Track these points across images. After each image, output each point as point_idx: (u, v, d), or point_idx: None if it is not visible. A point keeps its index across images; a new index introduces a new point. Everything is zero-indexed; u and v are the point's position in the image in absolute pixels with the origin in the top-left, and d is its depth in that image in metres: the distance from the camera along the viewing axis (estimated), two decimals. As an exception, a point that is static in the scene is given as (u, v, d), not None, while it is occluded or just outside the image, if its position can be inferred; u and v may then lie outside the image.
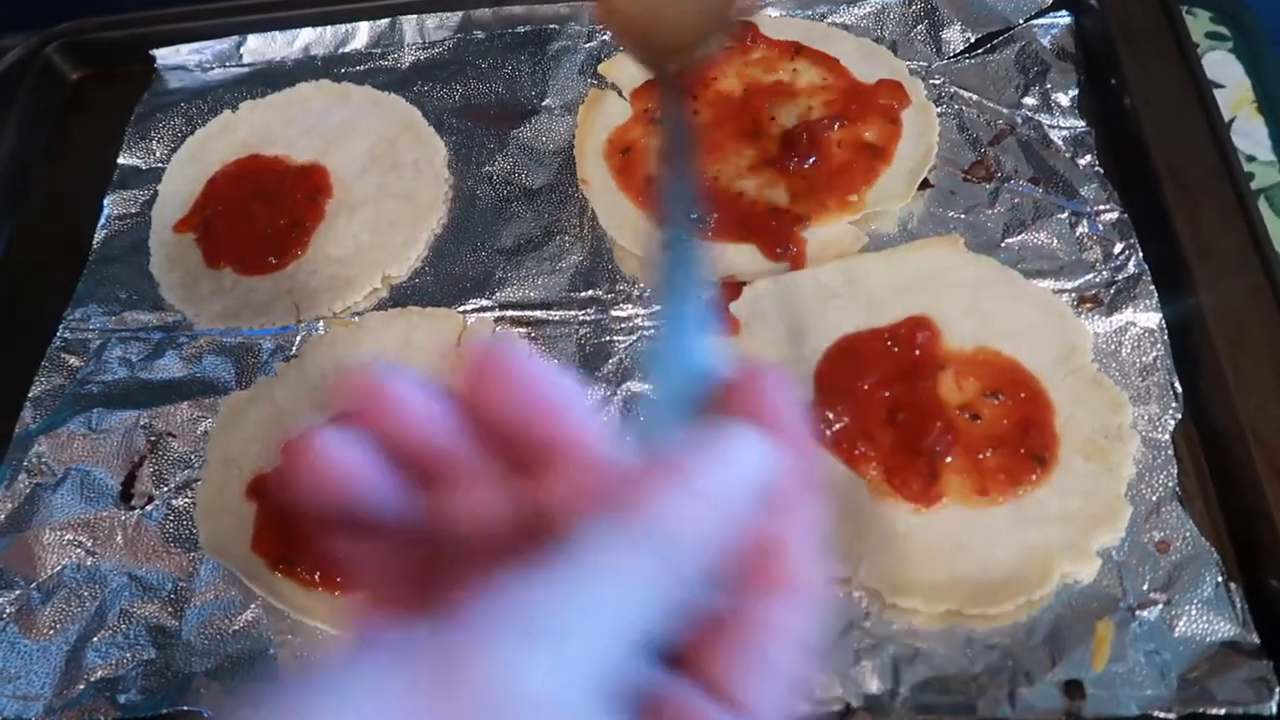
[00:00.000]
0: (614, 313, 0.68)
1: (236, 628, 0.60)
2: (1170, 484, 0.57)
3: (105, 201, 0.80)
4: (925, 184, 0.70)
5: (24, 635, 0.61)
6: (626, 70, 0.79)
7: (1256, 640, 0.51)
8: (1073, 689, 0.51)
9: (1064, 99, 0.73)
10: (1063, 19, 0.77)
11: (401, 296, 0.72)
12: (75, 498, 0.66)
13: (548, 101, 0.80)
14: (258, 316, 0.72)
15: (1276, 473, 0.55)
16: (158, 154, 0.83)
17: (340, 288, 0.72)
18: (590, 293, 0.69)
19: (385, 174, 0.77)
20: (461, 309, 0.70)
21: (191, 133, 0.82)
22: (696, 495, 0.25)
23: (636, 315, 0.68)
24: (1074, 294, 0.64)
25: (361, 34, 0.86)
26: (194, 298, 0.73)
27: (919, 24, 0.79)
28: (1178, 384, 0.60)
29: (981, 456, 0.58)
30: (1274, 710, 0.49)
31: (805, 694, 0.52)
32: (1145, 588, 0.54)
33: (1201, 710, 0.50)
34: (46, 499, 0.66)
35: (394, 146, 0.78)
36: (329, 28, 0.86)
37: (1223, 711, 0.49)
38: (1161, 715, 0.50)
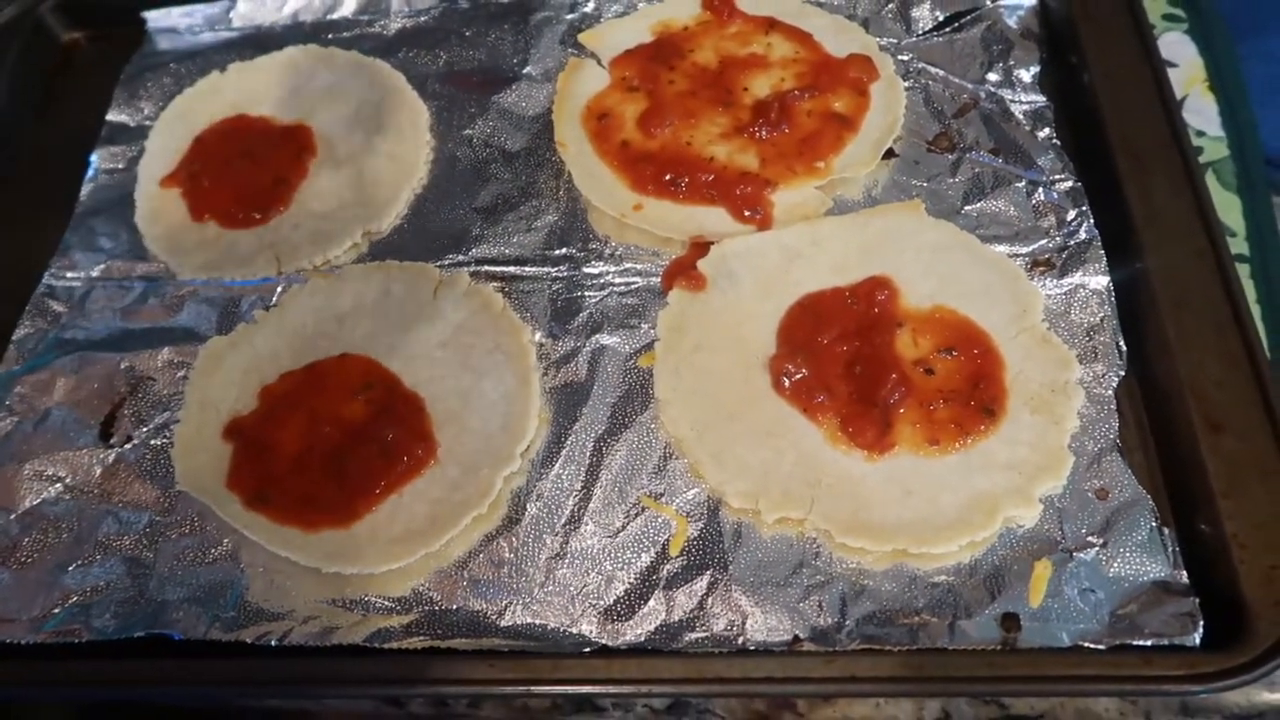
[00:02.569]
0: (585, 270, 0.70)
1: (209, 560, 0.61)
2: (1111, 436, 0.59)
3: (92, 157, 0.82)
4: (890, 153, 0.73)
5: (2, 564, 0.63)
6: (606, 40, 0.81)
7: (1185, 580, 0.54)
8: (1009, 622, 0.54)
9: (1026, 75, 0.75)
10: (1028, 0, 0.79)
11: (380, 251, 0.74)
12: (55, 436, 0.67)
13: (528, 69, 0.82)
14: (240, 268, 0.74)
15: (1211, 426, 0.57)
16: (145, 112, 0.84)
17: (322, 242, 0.74)
18: (563, 250, 0.72)
19: (370, 135, 0.79)
20: (439, 264, 0.72)
21: (179, 93, 0.84)
22: None
23: (607, 272, 0.70)
24: (1028, 258, 0.67)
25: (349, 1, 0.88)
26: (178, 249, 0.75)
27: (890, 2, 0.81)
28: (1122, 343, 0.62)
29: (933, 408, 0.61)
30: (1198, 641, 0.52)
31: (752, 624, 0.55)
32: (1084, 531, 0.56)
33: (1130, 642, 0.52)
34: (27, 436, 0.68)
35: (378, 109, 0.80)
36: (318, -6, 0.88)
37: (1150, 643, 0.52)
38: (1092, 646, 0.52)
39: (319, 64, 0.84)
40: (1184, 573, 0.54)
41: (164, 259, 0.75)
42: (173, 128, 0.82)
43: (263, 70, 0.84)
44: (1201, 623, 0.52)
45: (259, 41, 0.87)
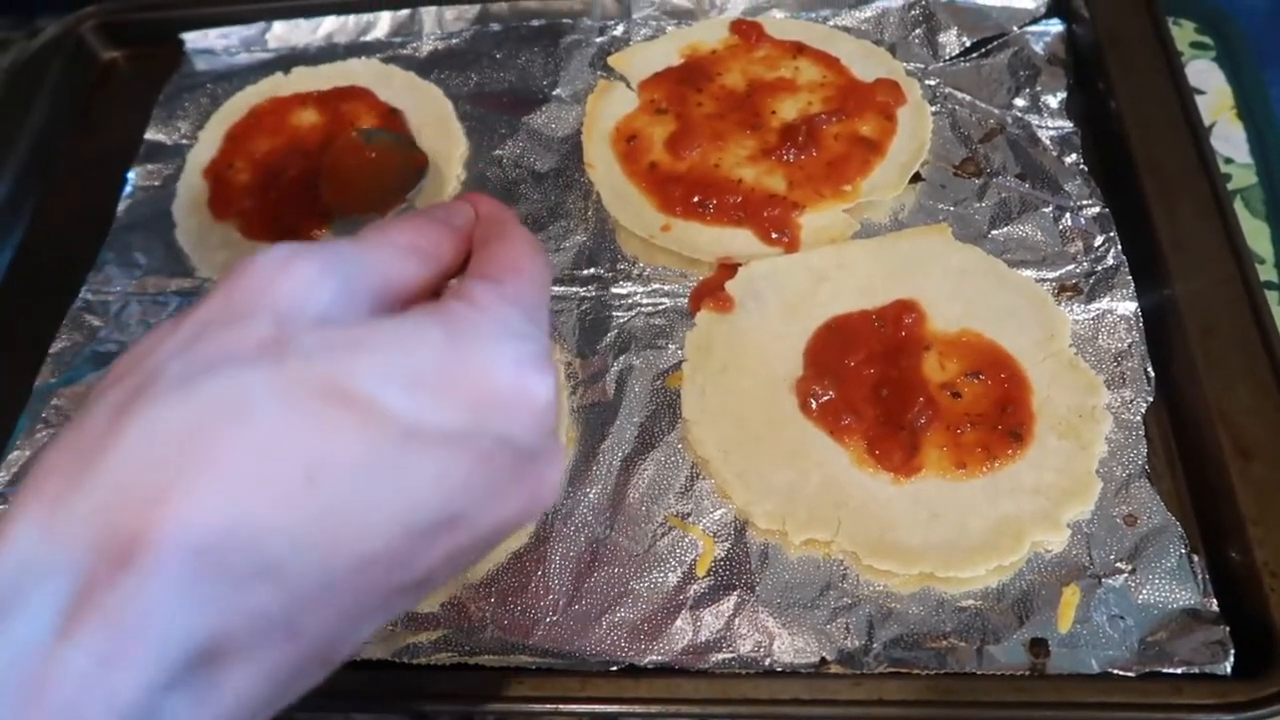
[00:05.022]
0: (614, 290, 0.71)
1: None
2: (1140, 462, 0.59)
3: (130, 174, 0.83)
4: (917, 177, 0.73)
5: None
6: (634, 63, 0.82)
7: (1215, 608, 0.54)
8: (1038, 647, 0.53)
9: (1053, 101, 0.76)
10: (1055, 26, 0.80)
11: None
12: (91, 448, 0.69)
13: (558, 91, 0.83)
14: None
15: (1240, 452, 0.57)
16: (183, 131, 0.86)
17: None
18: (592, 270, 0.72)
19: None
20: (468, 282, 0.73)
21: (215, 113, 0.86)
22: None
23: (635, 293, 0.71)
24: (1055, 283, 0.67)
25: (383, 23, 0.90)
26: (203, 245, 0.77)
27: (917, 28, 0.82)
28: (1150, 369, 0.62)
29: (960, 432, 0.61)
30: (1228, 670, 0.52)
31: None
32: (1112, 557, 0.56)
33: (1159, 669, 0.52)
34: (64, 448, 0.69)
35: (419, 134, 0.81)
36: (351, 16, 0.90)
37: (1179, 670, 0.52)
38: (1121, 673, 0.52)
39: (377, 80, 0.85)
40: (1214, 600, 0.54)
41: (189, 252, 0.77)
42: (225, 121, 0.84)
43: (322, 77, 0.86)
44: (1232, 651, 0.52)
45: (294, 62, 0.89)
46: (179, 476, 0.30)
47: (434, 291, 0.41)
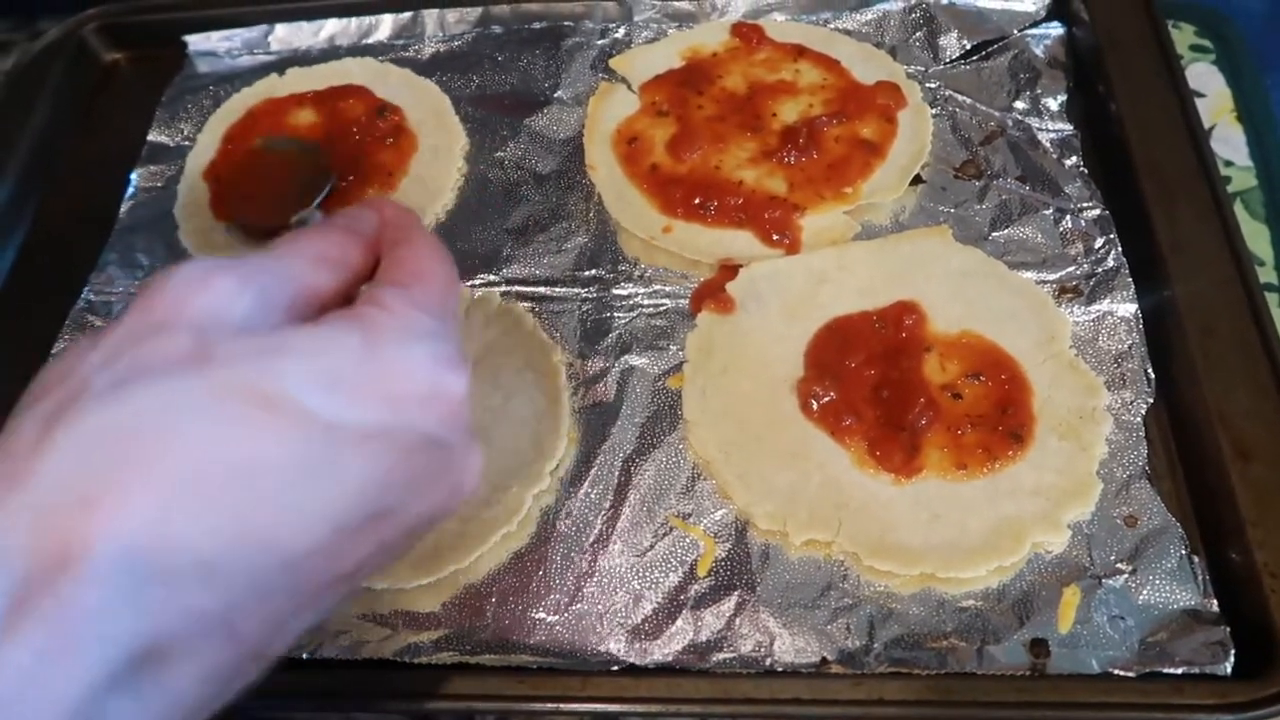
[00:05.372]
0: (615, 291, 0.71)
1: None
2: (1140, 463, 0.59)
3: (132, 175, 0.84)
4: (918, 180, 0.74)
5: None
6: (636, 65, 0.83)
7: (1216, 608, 0.54)
8: (1038, 647, 0.54)
9: (1053, 104, 0.76)
10: (1055, 30, 0.80)
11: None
12: (93, 448, 0.69)
13: (559, 93, 0.83)
14: None
15: (1240, 454, 0.58)
16: (185, 132, 0.86)
17: None
18: (593, 272, 0.72)
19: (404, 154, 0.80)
20: (469, 283, 0.73)
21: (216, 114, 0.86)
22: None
23: (636, 294, 0.71)
24: (1055, 285, 0.67)
25: (385, 26, 0.90)
26: (207, 245, 0.77)
27: (918, 31, 0.82)
28: (1150, 370, 0.63)
29: (961, 433, 0.61)
30: (1228, 670, 0.52)
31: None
32: (1112, 558, 0.56)
33: (1160, 670, 0.52)
34: (65, 448, 0.69)
35: (419, 130, 0.82)
36: (354, 19, 0.90)
37: (1180, 671, 0.52)
38: (1121, 673, 0.52)
39: (374, 78, 0.85)
40: (1214, 601, 0.54)
41: (193, 252, 0.77)
42: (223, 122, 0.84)
43: (318, 77, 0.86)
44: (1233, 651, 0.52)
45: (296, 65, 0.89)
46: (110, 482, 0.31)
47: (346, 297, 0.42)
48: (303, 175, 0.76)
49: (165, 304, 0.35)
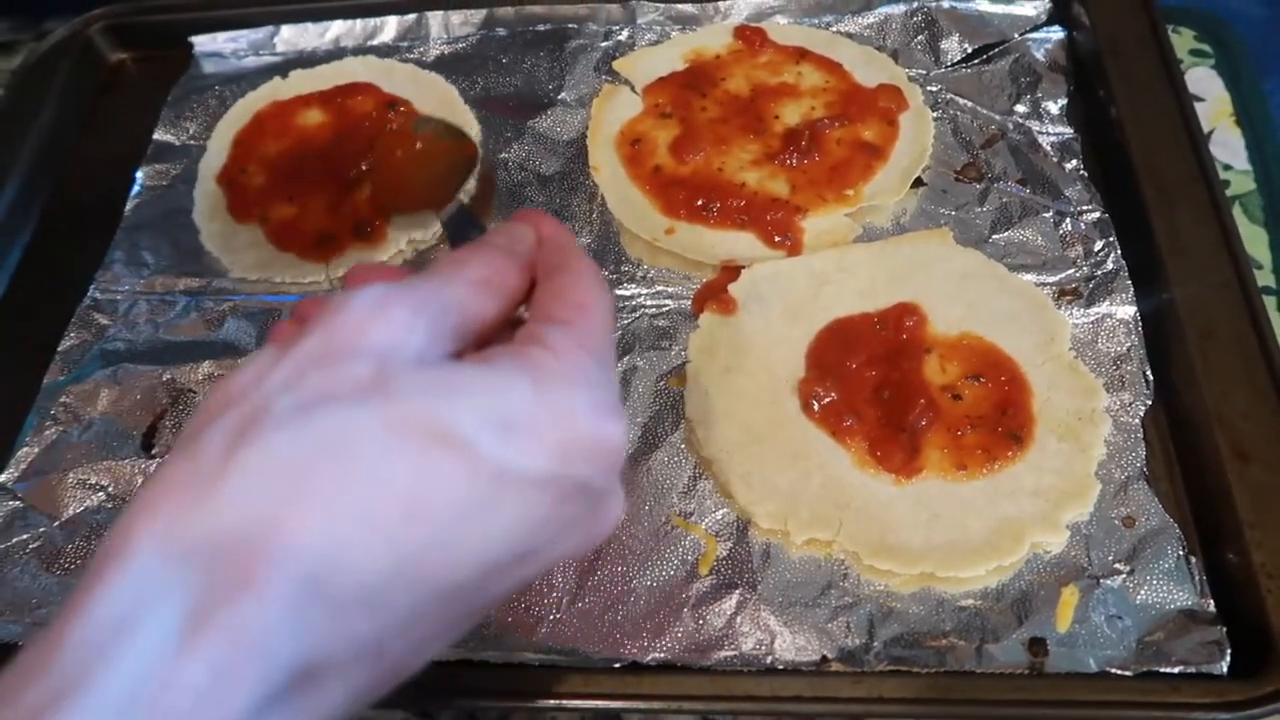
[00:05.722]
0: (618, 292, 0.72)
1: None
2: (1139, 464, 0.60)
3: (138, 174, 0.84)
4: (919, 182, 0.74)
5: (44, 570, 0.64)
6: (639, 67, 0.83)
7: (1213, 609, 0.54)
8: (1036, 646, 0.54)
9: (1053, 107, 0.77)
10: (1055, 34, 0.81)
11: (425, 259, 0.76)
12: (99, 445, 0.69)
13: (563, 95, 0.84)
14: (288, 269, 0.76)
15: (1238, 455, 0.58)
16: (190, 132, 0.87)
17: (368, 249, 0.76)
18: (596, 272, 0.73)
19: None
20: (473, 283, 0.73)
21: (223, 114, 0.86)
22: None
23: (639, 295, 0.71)
24: (1055, 287, 0.68)
25: (390, 27, 0.91)
26: (231, 247, 0.77)
27: (919, 34, 0.83)
28: (1149, 372, 0.63)
29: (961, 433, 0.61)
30: (1225, 670, 0.52)
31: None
32: (1110, 558, 0.57)
33: (1157, 669, 0.52)
34: (71, 445, 0.69)
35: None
36: (359, 20, 0.91)
37: (1177, 670, 0.52)
38: (1119, 672, 0.52)
39: (379, 76, 0.86)
40: (1211, 601, 0.54)
41: (218, 255, 0.78)
42: (231, 127, 0.85)
43: (321, 78, 0.87)
44: (1229, 651, 0.52)
45: (302, 66, 0.89)
46: (291, 506, 0.32)
47: (505, 321, 0.43)
48: (449, 158, 0.72)
49: (345, 330, 0.36)
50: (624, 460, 0.39)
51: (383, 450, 0.33)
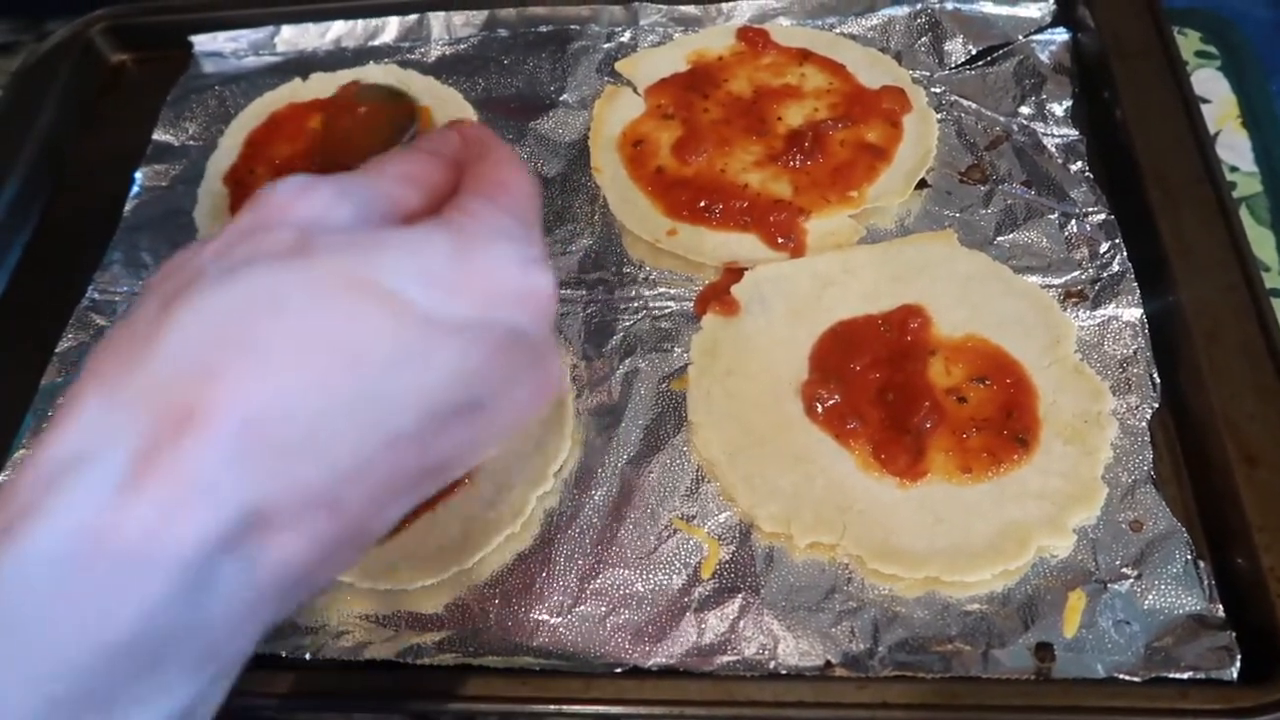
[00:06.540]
0: (620, 293, 0.71)
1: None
2: (1146, 468, 0.59)
3: (137, 174, 0.84)
4: (923, 184, 0.74)
5: (41, 573, 0.63)
6: (641, 69, 0.83)
7: (1222, 614, 0.54)
8: (1043, 651, 0.53)
9: (1058, 109, 0.76)
10: (1060, 36, 0.80)
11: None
12: (96, 447, 0.68)
13: (565, 96, 0.84)
14: None
15: (1246, 459, 0.57)
16: (190, 132, 0.86)
17: None
18: (598, 274, 0.72)
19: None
20: (474, 285, 0.73)
21: (224, 114, 0.86)
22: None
23: (641, 296, 0.71)
24: (1060, 289, 0.67)
25: (391, 28, 0.90)
26: None
27: (923, 36, 0.83)
28: (1156, 375, 0.62)
29: (966, 436, 0.61)
30: (1234, 676, 0.51)
31: None
32: (1118, 563, 0.56)
33: (1165, 674, 0.52)
34: (69, 447, 0.69)
35: None
36: (360, 21, 0.91)
37: (1185, 676, 0.52)
38: (1127, 678, 0.52)
39: (398, 83, 0.84)
40: (1219, 606, 0.54)
41: None
42: (244, 127, 0.84)
43: (341, 82, 0.86)
44: (1239, 657, 0.52)
45: (301, 66, 0.89)
46: (226, 357, 0.33)
47: (432, 214, 0.44)
48: (390, 119, 0.76)
49: (271, 208, 0.38)
50: (555, 310, 0.41)
51: (309, 302, 0.34)
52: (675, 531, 0.60)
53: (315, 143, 0.79)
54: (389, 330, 0.35)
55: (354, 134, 0.76)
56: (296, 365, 0.34)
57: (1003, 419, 0.61)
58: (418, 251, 0.37)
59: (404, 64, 0.88)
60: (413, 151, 0.45)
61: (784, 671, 0.55)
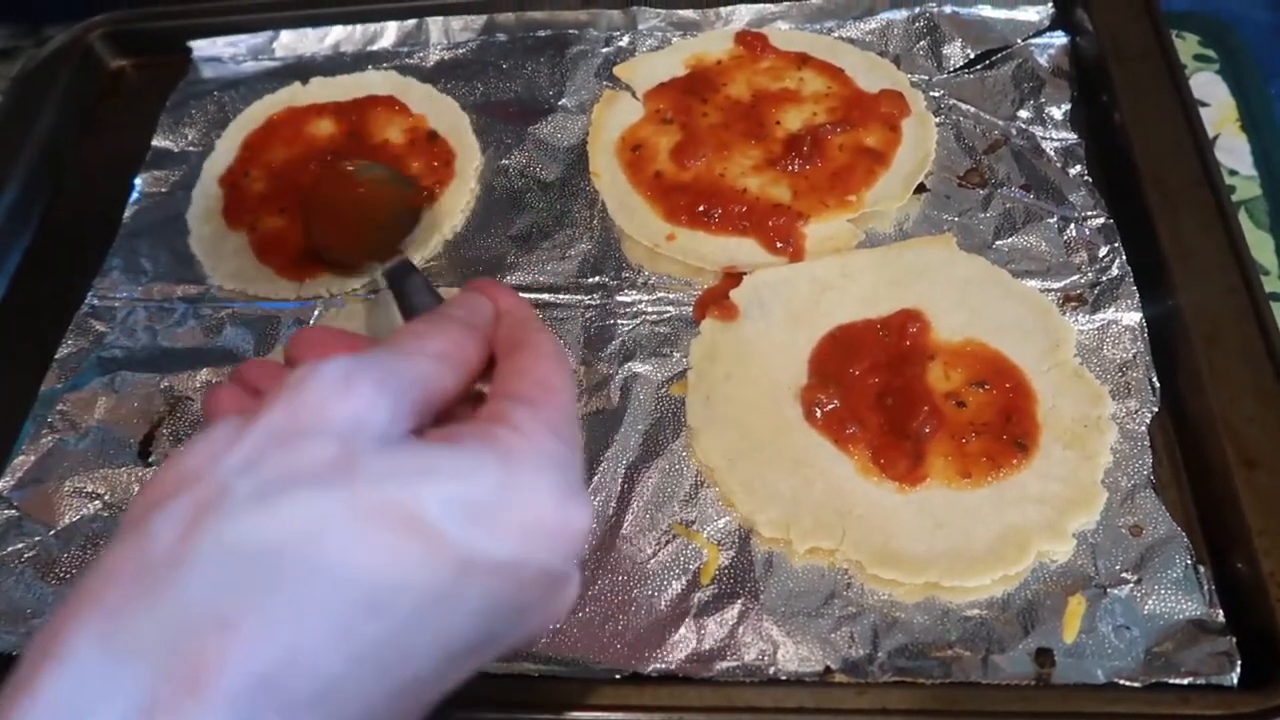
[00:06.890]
0: (618, 298, 0.71)
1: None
2: (1145, 472, 0.59)
3: (137, 180, 0.84)
4: (922, 188, 0.74)
5: (40, 579, 0.63)
6: (640, 73, 0.83)
7: (1222, 619, 0.53)
8: (1043, 657, 0.53)
9: (1057, 113, 0.76)
10: (1059, 39, 0.80)
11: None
12: (95, 453, 0.69)
13: (564, 101, 0.84)
14: (264, 284, 0.75)
15: (1246, 463, 0.57)
16: (190, 138, 0.86)
17: (342, 276, 0.75)
18: (597, 279, 0.72)
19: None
20: (473, 290, 0.73)
21: (222, 119, 0.86)
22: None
23: (640, 301, 0.71)
24: (1060, 293, 0.67)
25: (390, 33, 0.90)
26: (215, 253, 0.77)
27: (921, 40, 0.83)
28: (1155, 379, 0.62)
29: (965, 441, 0.61)
30: (1235, 681, 0.51)
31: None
32: (1117, 568, 0.56)
33: (1166, 680, 0.52)
34: (68, 454, 0.69)
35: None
36: (359, 26, 0.91)
37: (1186, 681, 0.51)
38: (1127, 683, 0.52)
39: (396, 90, 0.85)
40: (1220, 611, 0.54)
41: (201, 259, 0.77)
42: (242, 130, 0.84)
43: (341, 87, 0.86)
44: (1239, 662, 0.52)
45: (300, 71, 0.89)
46: (250, 601, 0.30)
47: (463, 396, 0.42)
48: (393, 207, 0.71)
49: (308, 406, 0.35)
50: (584, 542, 0.39)
51: (350, 540, 0.32)
52: (674, 537, 0.60)
53: (300, 202, 0.74)
54: (426, 572, 0.33)
55: (345, 214, 0.71)
56: (321, 612, 0.31)
57: (1002, 423, 0.61)
58: (466, 479, 0.35)
59: (402, 69, 0.88)
60: (446, 323, 0.43)
61: (783, 677, 0.54)
